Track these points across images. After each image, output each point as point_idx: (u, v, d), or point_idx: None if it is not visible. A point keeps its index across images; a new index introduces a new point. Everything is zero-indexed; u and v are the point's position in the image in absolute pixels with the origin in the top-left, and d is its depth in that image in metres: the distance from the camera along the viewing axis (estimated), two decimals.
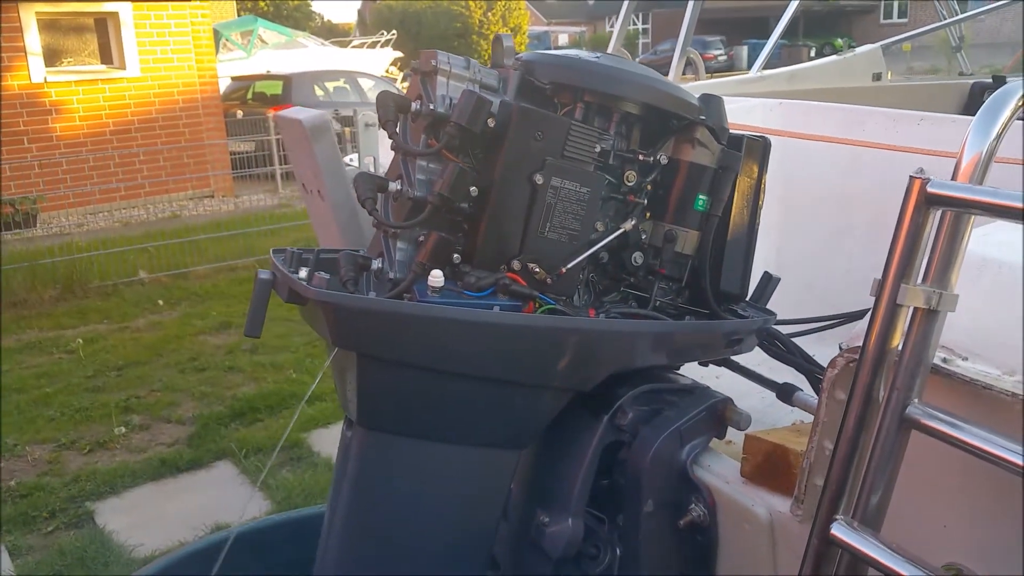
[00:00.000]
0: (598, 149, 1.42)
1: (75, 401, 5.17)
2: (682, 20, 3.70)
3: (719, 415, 1.56)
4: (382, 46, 24.02)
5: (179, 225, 9.81)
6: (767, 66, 3.79)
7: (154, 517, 3.96)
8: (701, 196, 1.51)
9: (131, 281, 7.76)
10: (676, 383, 1.62)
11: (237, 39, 20.20)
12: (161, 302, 7.32)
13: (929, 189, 0.84)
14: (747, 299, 1.64)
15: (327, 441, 4.48)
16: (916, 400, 0.94)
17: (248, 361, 5.71)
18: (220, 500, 4.02)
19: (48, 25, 10.45)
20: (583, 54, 1.48)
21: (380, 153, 2.23)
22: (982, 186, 0.84)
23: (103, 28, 10.84)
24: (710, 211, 1.52)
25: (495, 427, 1.43)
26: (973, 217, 0.87)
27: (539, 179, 1.35)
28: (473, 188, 1.34)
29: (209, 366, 5.69)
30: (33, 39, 10.20)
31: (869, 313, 1.01)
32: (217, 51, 17.02)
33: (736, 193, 1.56)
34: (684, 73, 3.89)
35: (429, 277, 1.28)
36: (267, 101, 14.07)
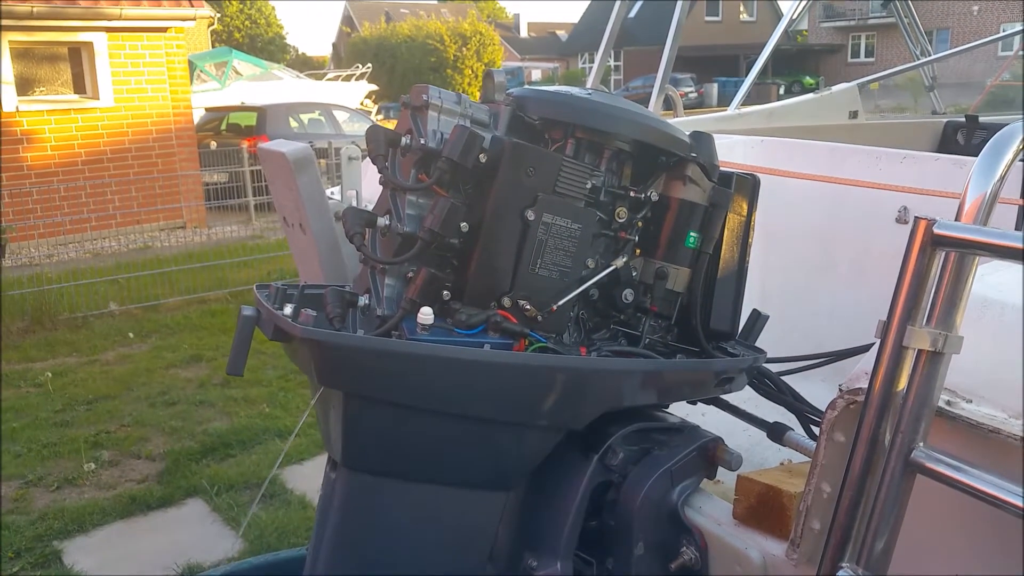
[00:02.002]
0: (589, 185, 1.41)
1: (43, 436, 5.04)
2: (653, 58, 3.74)
3: (710, 455, 1.54)
4: (357, 79, 24.11)
5: (150, 256, 9.67)
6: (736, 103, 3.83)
7: (124, 556, 3.85)
8: (692, 233, 1.50)
9: (101, 313, 7.63)
10: (666, 422, 1.60)
11: (211, 70, 20.18)
12: (131, 335, 7.19)
13: (935, 230, 0.84)
14: (736, 337, 1.63)
15: (300, 478, 4.39)
16: (921, 444, 0.92)
17: (220, 395, 5.60)
18: (191, 539, 3.92)
19: (21, 54, 10.36)
20: (574, 90, 1.47)
21: (362, 187, 2.20)
22: (988, 227, 0.83)
23: (77, 58, 10.77)
24: (701, 248, 1.51)
25: (484, 468, 1.39)
26: (977, 258, 0.87)
27: (530, 215, 1.33)
28: (463, 224, 1.32)
29: (180, 400, 5.58)
30: (6, 68, 10.10)
31: (871, 354, 0.99)
32: (191, 82, 16.97)
33: (726, 230, 1.55)
34: (662, 110, 3.93)
35: (419, 314, 1.26)
36: (241, 132, 14.03)
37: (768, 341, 1.74)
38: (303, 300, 1.44)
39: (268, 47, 39.03)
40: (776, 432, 1.60)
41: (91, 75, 10.80)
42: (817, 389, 1.87)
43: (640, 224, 1.51)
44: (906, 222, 1.93)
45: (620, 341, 1.53)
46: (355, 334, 1.33)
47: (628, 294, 1.49)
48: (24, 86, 10.42)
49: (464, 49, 35.36)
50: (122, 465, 4.69)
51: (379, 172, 1.35)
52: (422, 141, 1.35)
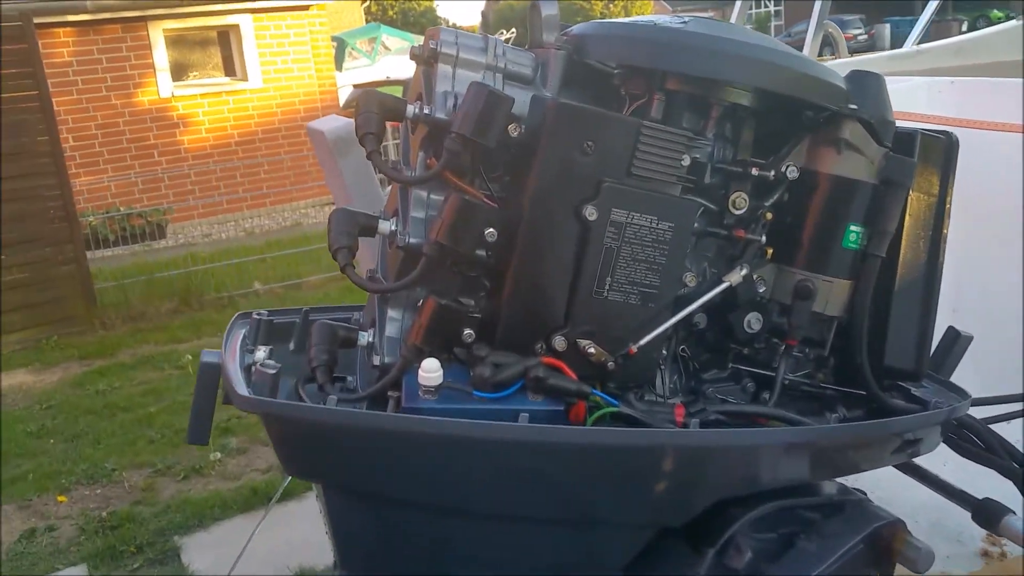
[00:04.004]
0: (687, 161, 0.93)
1: (177, 422, 5.08)
2: None
3: (884, 545, 1.05)
4: None
5: (298, 234, 9.86)
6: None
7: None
8: (853, 228, 0.99)
9: (247, 293, 7.76)
10: (817, 494, 1.12)
11: (363, 47, 20.51)
12: None
13: None
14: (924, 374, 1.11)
15: None
16: None
17: None
18: (307, 537, 3.75)
19: (175, 41, 10.75)
20: (662, 19, 0.99)
21: None
22: None
23: (226, 41, 11.08)
24: (868, 249, 1.00)
25: None
26: None
27: (591, 213, 0.88)
28: (489, 230, 0.89)
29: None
30: (161, 55, 10.52)
31: None
32: (343, 59, 17.24)
33: (908, 219, 1.03)
34: (821, 53, 3.29)
35: (420, 369, 0.84)
36: None
37: (971, 371, 1.21)
38: (301, 335, 1.06)
39: (420, 20, 39.49)
40: (987, 515, 1.08)
41: (239, 57, 11.09)
42: None
43: (770, 216, 1.01)
44: None
45: (744, 384, 1.05)
46: (308, 404, 0.93)
47: (753, 320, 1.01)
48: (178, 72, 10.83)
49: (611, 6, 34.27)
50: (249, 453, 4.62)
51: (368, 158, 0.94)
52: (426, 110, 0.93)
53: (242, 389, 0.87)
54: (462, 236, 0.87)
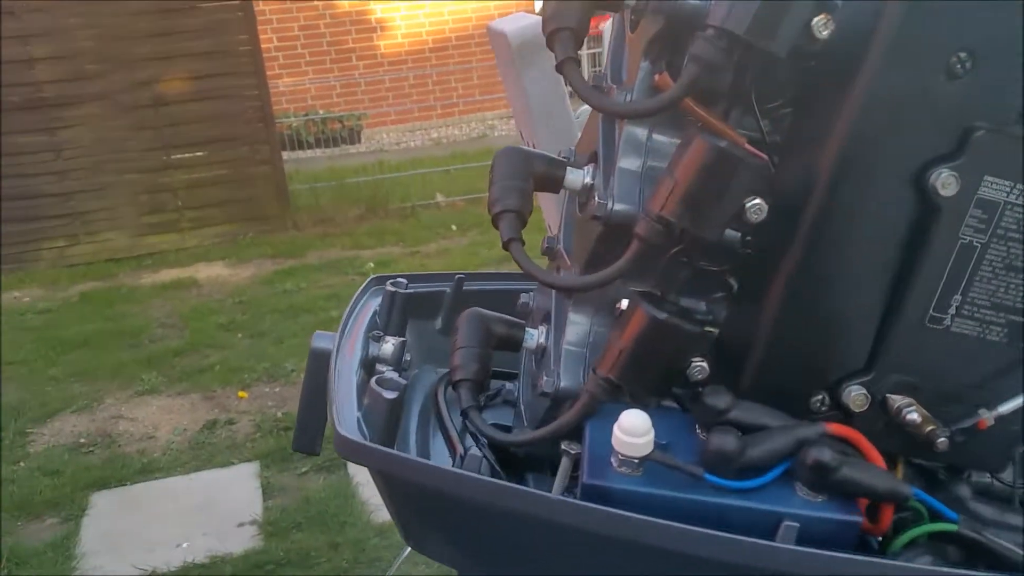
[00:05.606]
0: None
1: None
2: None
3: None
4: None
5: (482, 147, 9.77)
6: None
7: None
8: None
9: (428, 204, 7.78)
10: None
11: None
12: (454, 227, 7.23)
13: None
14: None
15: None
16: None
17: None
18: None
19: None
20: None
21: None
22: None
23: None
24: None
25: None
26: None
27: (946, 183, 0.51)
28: (755, 201, 0.53)
29: None
30: None
31: None
32: None
33: None
34: None
35: (618, 426, 0.51)
36: None
37: None
38: (450, 314, 0.76)
39: None
40: None
41: None
42: None
43: None
44: None
45: None
46: (429, 463, 0.62)
47: None
48: None
49: None
50: None
51: (557, 69, 0.59)
52: None
53: (346, 419, 0.59)
54: (708, 211, 0.51)
